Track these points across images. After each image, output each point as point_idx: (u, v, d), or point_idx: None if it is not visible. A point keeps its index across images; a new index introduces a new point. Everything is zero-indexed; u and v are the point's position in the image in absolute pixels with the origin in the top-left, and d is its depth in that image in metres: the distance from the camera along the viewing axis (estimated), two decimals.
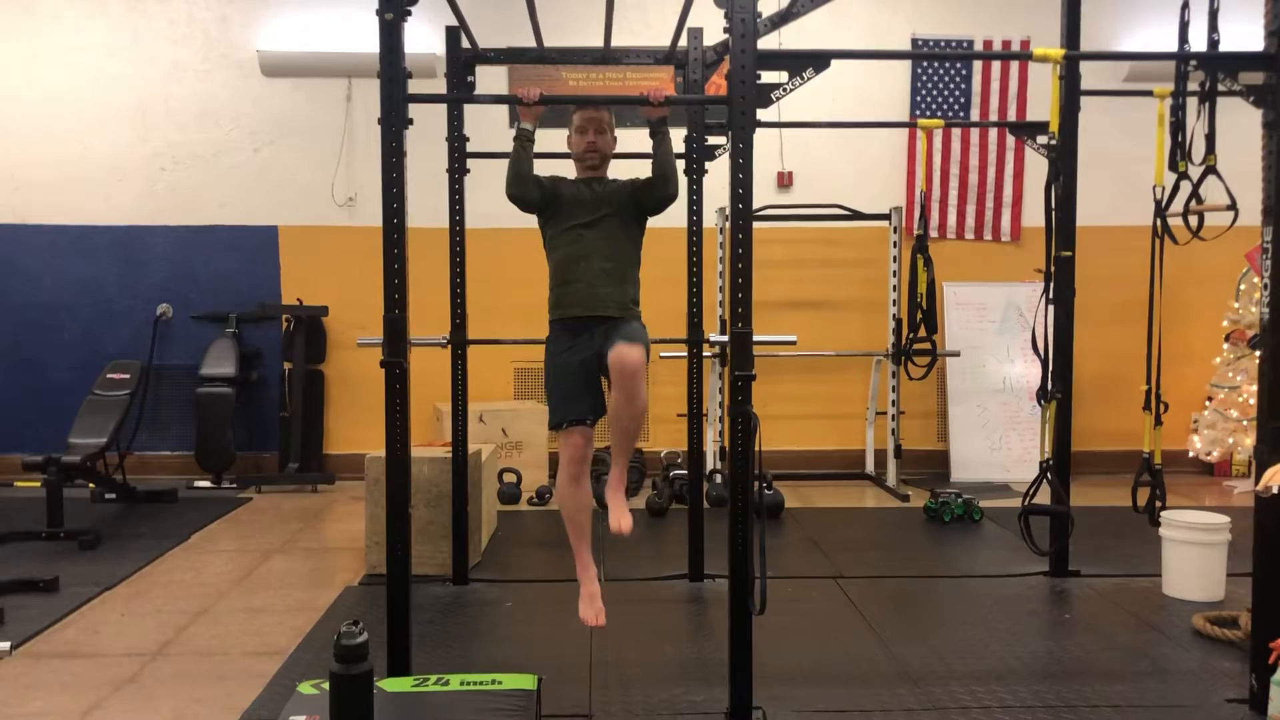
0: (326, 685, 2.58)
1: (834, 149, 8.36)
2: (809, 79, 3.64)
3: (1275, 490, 3.62)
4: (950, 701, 3.92)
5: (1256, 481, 3.72)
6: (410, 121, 3.63)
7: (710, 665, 4.22)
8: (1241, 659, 4.25)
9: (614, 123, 4.02)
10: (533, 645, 4.58)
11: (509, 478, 7.49)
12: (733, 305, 3.62)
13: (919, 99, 8.44)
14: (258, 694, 3.98)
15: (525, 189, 3.98)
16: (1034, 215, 8.50)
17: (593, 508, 4.01)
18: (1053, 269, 4.76)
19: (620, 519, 3.84)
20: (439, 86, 7.43)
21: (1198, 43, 4.44)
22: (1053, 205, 4.50)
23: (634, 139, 8.13)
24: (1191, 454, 8.15)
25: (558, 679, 3.97)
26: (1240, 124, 4.54)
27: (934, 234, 8.37)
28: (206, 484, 8.02)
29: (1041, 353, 4.56)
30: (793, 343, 5.42)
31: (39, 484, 6.41)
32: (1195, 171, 4.49)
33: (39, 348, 8.38)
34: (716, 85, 6.14)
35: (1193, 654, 4.43)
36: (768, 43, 3.73)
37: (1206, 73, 4.02)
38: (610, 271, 3.92)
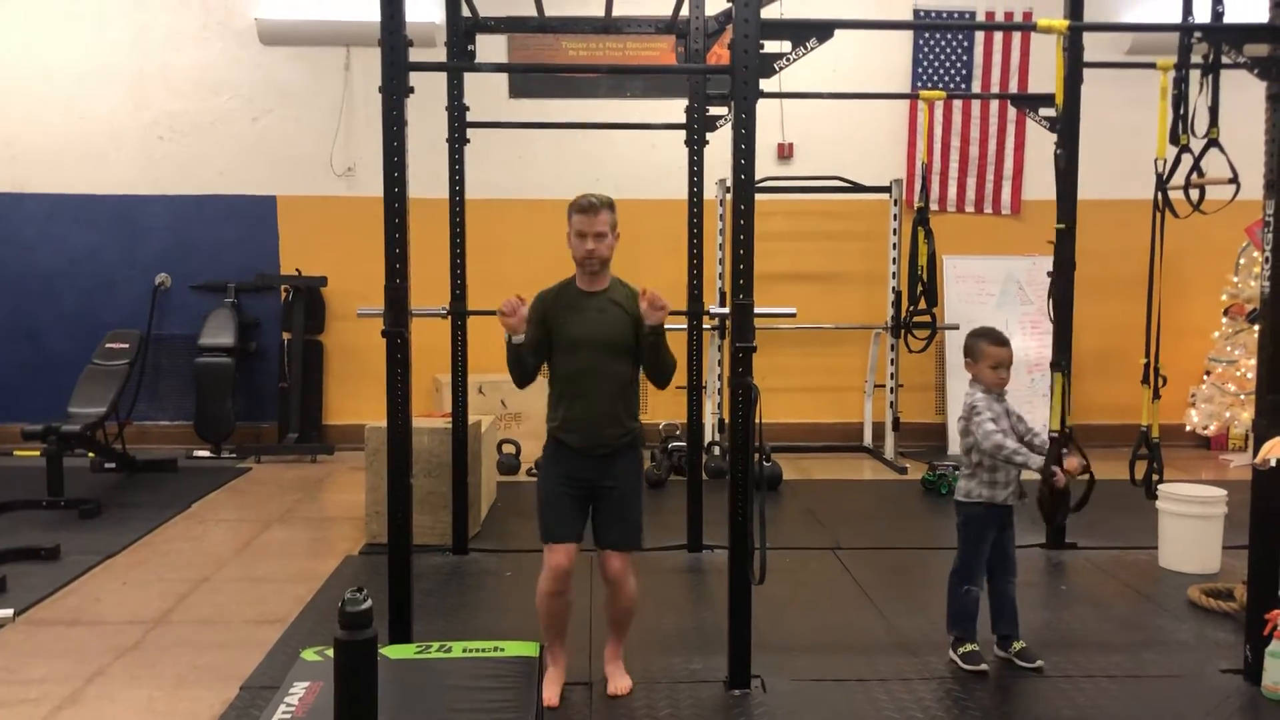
0: (330, 652, 2.58)
1: (835, 121, 8.33)
2: (812, 49, 3.62)
3: (1274, 463, 3.63)
4: (947, 672, 3.95)
5: (1254, 455, 3.73)
6: (411, 90, 3.62)
7: (709, 634, 4.25)
8: (1236, 630, 4.29)
9: (615, 222, 3.71)
10: (532, 615, 4.53)
11: (508, 449, 7.50)
12: (734, 277, 3.62)
13: (920, 71, 8.40)
14: (259, 661, 4.01)
15: (531, 377, 3.79)
16: (1034, 189, 8.49)
17: (570, 612, 3.86)
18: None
19: (618, 684, 3.79)
20: (439, 56, 7.38)
21: (1201, 15, 4.42)
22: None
23: (634, 109, 8.16)
24: (1188, 428, 8.17)
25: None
26: (1242, 98, 4.55)
27: (934, 207, 8.35)
28: (206, 454, 8.03)
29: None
30: (793, 315, 5.42)
31: (39, 453, 6.42)
32: (1197, 144, 4.46)
33: (38, 317, 8.38)
34: (718, 55, 6.12)
35: (1188, 625, 4.47)
36: (770, 13, 3.70)
37: (1211, 45, 3.99)
38: (613, 395, 3.70)
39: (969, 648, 4.01)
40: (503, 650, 2.86)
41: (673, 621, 4.48)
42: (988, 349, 4.00)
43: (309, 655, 2.78)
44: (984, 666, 3.95)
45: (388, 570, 3.70)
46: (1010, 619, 4.06)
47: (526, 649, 2.87)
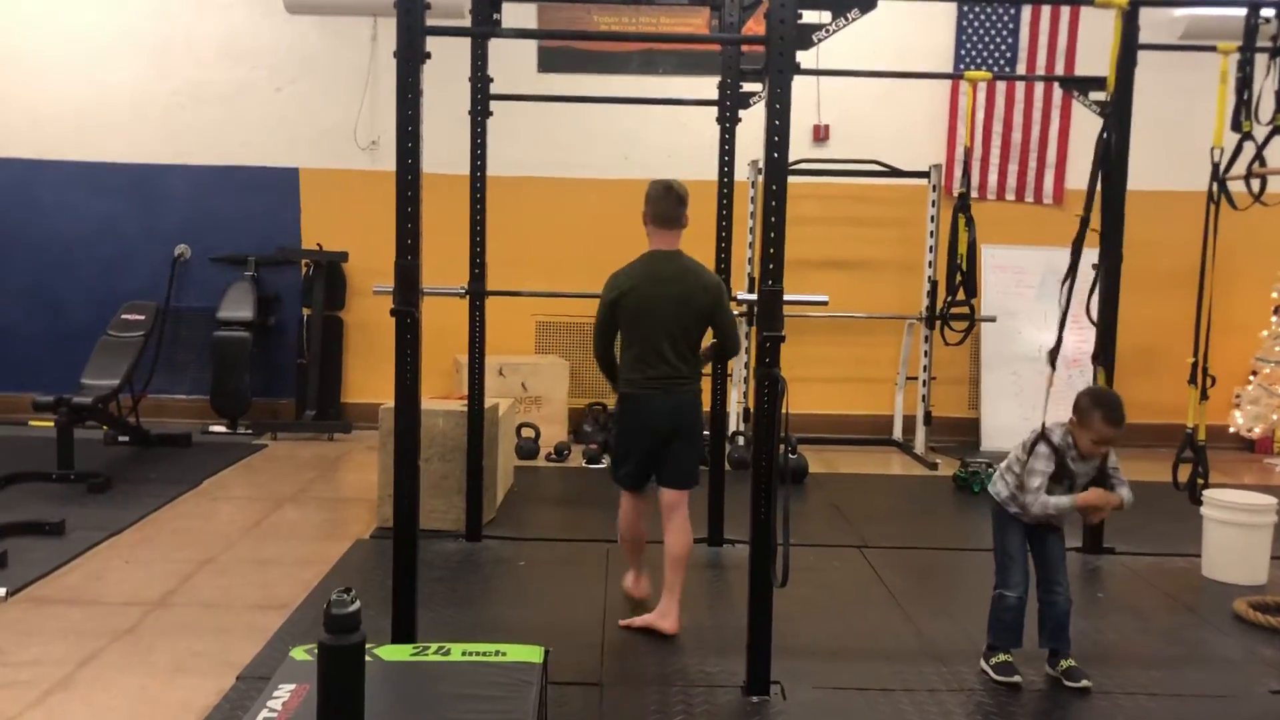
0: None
1: (873, 102, 8.08)
2: (854, 20, 3.40)
3: None
4: (977, 683, 3.75)
5: None
6: (428, 55, 3.42)
7: (727, 635, 4.06)
8: None
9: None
10: (544, 608, 4.43)
11: (527, 433, 7.33)
12: (763, 262, 3.42)
13: (963, 52, 8.12)
14: (258, 650, 3.86)
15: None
16: (1078, 177, 8.17)
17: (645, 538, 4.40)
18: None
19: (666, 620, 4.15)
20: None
21: None
22: (1101, 164, 4.24)
23: (666, 86, 7.94)
24: (1232, 429, 7.88)
25: (568, 645, 3.83)
26: None
27: (974, 194, 8.07)
28: (221, 429, 7.92)
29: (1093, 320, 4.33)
30: (824, 303, 5.17)
31: (53, 424, 6.30)
32: (1260, 132, 4.22)
33: (55, 286, 8.27)
34: (753, 30, 5.88)
35: (1234, 640, 4.23)
36: None
37: None
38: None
39: (1001, 658, 3.80)
40: (504, 655, 2.68)
41: (689, 620, 4.27)
42: (1099, 425, 3.63)
43: (299, 654, 2.62)
44: (1016, 679, 3.73)
45: (392, 562, 3.52)
46: (1055, 633, 3.79)
47: (530, 654, 2.69)
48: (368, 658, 2.34)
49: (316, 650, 2.20)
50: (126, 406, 7.11)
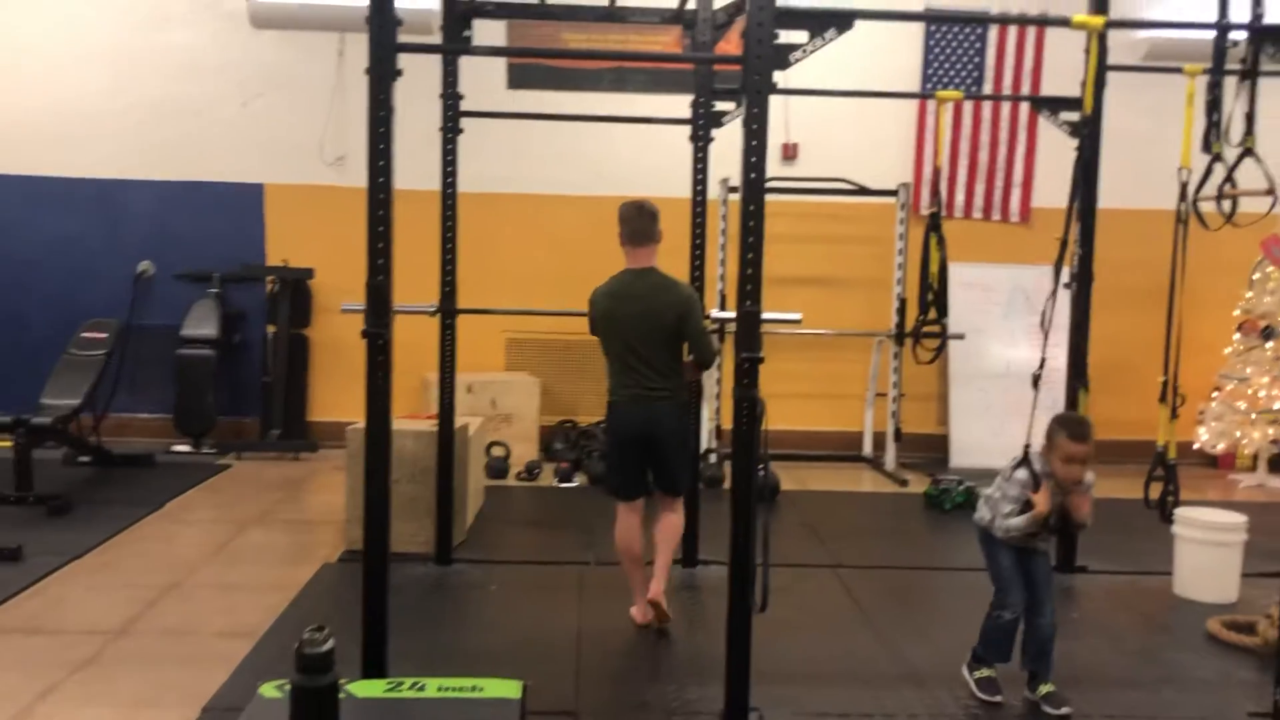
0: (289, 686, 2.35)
1: (841, 122, 8.08)
2: (830, 40, 3.39)
3: None
4: (956, 708, 3.72)
5: None
6: (399, 73, 3.36)
7: (704, 660, 4.01)
8: (1260, 668, 4.07)
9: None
10: (517, 634, 4.36)
11: (497, 451, 7.26)
12: (741, 282, 3.38)
13: (930, 72, 8.17)
14: (224, 680, 3.76)
15: None
16: (1044, 196, 8.26)
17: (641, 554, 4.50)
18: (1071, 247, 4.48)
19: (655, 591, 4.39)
20: (434, 43, 7.12)
21: (1237, 16, 4.20)
22: (1078, 183, 4.25)
23: (636, 103, 7.91)
24: (1197, 445, 7.94)
25: (542, 673, 3.75)
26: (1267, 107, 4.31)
27: (942, 212, 8.11)
28: (185, 449, 7.77)
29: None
30: (798, 321, 5.18)
31: (11, 444, 6.15)
32: (1231, 153, 4.25)
33: (15, 303, 8.09)
34: (724, 49, 5.88)
35: (1209, 661, 4.23)
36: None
37: (1253, 47, 3.76)
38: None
39: (985, 673, 3.81)
40: (481, 690, 2.61)
41: (666, 645, 4.23)
42: (1062, 441, 3.66)
43: (268, 690, 2.54)
44: (998, 699, 3.72)
45: (363, 591, 3.43)
46: (1037, 657, 3.77)
47: (508, 689, 2.63)
48: (340, 694, 2.27)
49: (287, 688, 2.13)
50: (88, 426, 6.97)
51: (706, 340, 4.42)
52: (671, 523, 4.51)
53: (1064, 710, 3.68)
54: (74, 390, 6.68)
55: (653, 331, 4.28)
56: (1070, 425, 3.73)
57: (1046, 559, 3.90)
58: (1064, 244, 3.92)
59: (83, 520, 5.80)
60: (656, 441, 4.34)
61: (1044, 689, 3.74)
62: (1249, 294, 7.80)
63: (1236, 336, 7.86)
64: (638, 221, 4.35)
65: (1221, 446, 7.92)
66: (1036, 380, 3.94)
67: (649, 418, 4.31)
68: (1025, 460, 3.76)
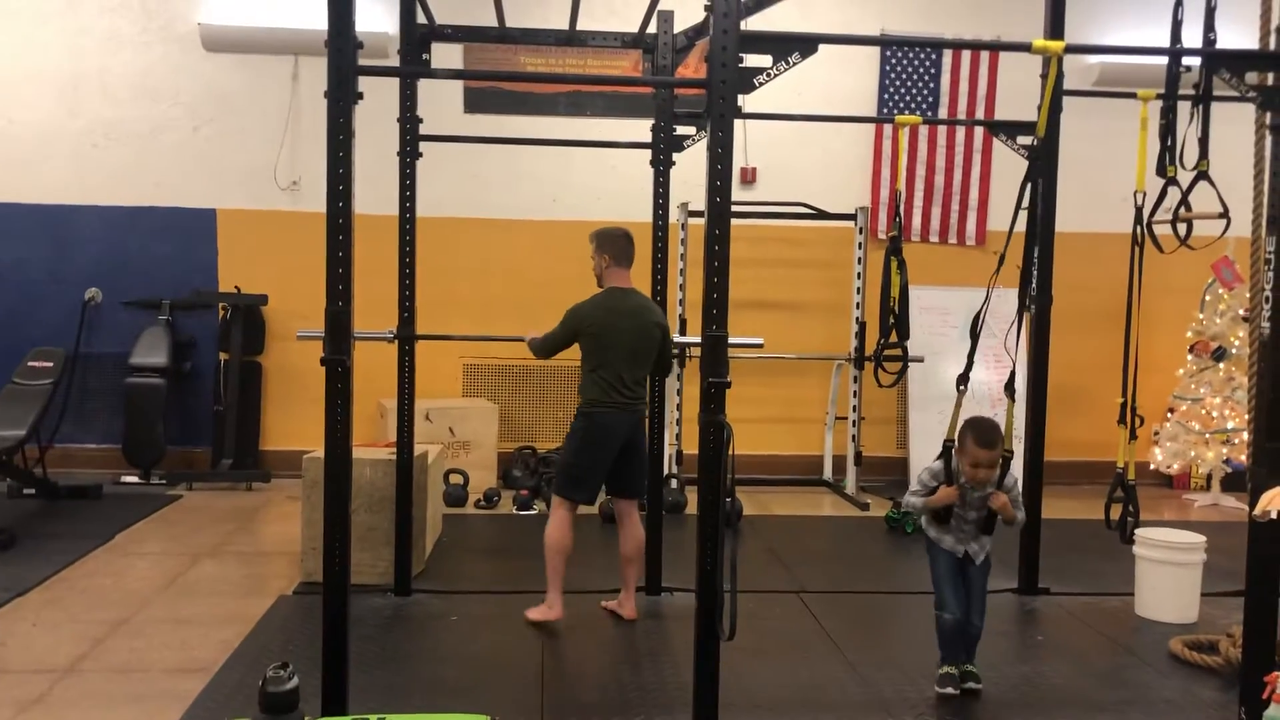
0: None
1: (799, 146, 8.14)
2: (794, 64, 3.37)
3: (1274, 515, 3.42)
4: None
5: (1252, 506, 3.52)
6: (360, 96, 3.31)
7: (671, 690, 3.96)
8: (1222, 687, 4.09)
9: (593, 251, 4.82)
10: (479, 666, 4.27)
11: (455, 479, 7.17)
12: (706, 306, 3.35)
13: (886, 97, 8.24)
14: (178, 718, 3.64)
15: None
16: (1000, 219, 8.33)
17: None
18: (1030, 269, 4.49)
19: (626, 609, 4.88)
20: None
21: (1188, 42, 4.26)
22: (1035, 206, 4.27)
23: (594, 128, 7.91)
24: (1152, 466, 8.03)
25: (507, 705, 3.69)
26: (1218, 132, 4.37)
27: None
28: (134, 479, 7.58)
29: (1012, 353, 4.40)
30: (759, 345, 5.16)
31: None
32: (1185, 177, 4.30)
33: None
34: (683, 73, 5.88)
35: (1172, 681, 4.24)
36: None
37: (1208, 71, 3.80)
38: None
39: (944, 669, 4.03)
40: None
41: (631, 675, 4.16)
42: (971, 448, 3.92)
43: None
44: (950, 690, 3.96)
45: (322, 625, 3.34)
46: (967, 649, 4.08)
47: None
48: None
49: None
50: (33, 457, 6.79)
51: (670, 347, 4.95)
52: (640, 537, 4.90)
53: (976, 686, 4.00)
54: (19, 421, 6.49)
55: (643, 347, 4.71)
56: (977, 429, 3.95)
57: (982, 569, 4.10)
58: (1003, 262, 3.99)
59: (28, 554, 5.63)
60: (635, 448, 4.79)
61: (966, 668, 4.04)
62: (1200, 315, 7.92)
63: (1189, 358, 7.96)
64: (625, 242, 4.79)
65: (1176, 467, 8.01)
66: (962, 380, 4.18)
67: (633, 425, 4.74)
68: (945, 454, 4.02)
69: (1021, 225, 4.13)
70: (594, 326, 4.67)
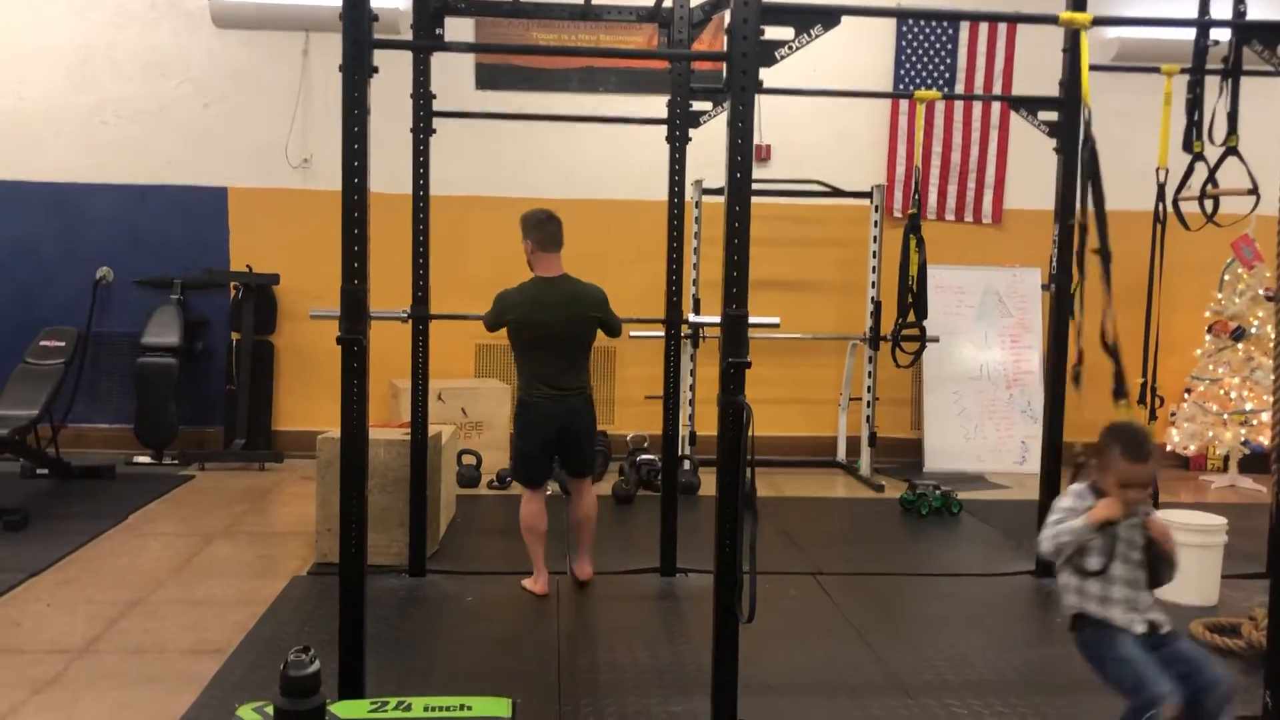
0: (270, 709, 2.25)
1: (814, 123, 8.04)
2: (816, 36, 3.30)
3: None
4: (946, 717, 3.65)
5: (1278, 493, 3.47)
6: (375, 70, 3.25)
7: (688, 671, 3.93)
8: (1245, 670, 4.04)
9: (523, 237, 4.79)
10: (496, 647, 4.25)
11: (468, 460, 7.14)
12: (727, 285, 3.29)
13: (902, 73, 8.14)
14: (193, 700, 3.62)
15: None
16: (1016, 197, 8.26)
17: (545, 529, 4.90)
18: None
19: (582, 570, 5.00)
20: None
21: (1217, 15, 4.19)
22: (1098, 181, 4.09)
23: (607, 104, 7.83)
24: (1169, 447, 7.96)
25: (525, 687, 3.66)
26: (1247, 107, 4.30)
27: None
28: (146, 460, 7.57)
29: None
30: (776, 325, 5.10)
31: None
32: (1213, 153, 4.23)
33: None
34: (698, 49, 5.80)
35: None
36: None
37: (1238, 44, 3.73)
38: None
39: None
40: (470, 709, 2.51)
41: (648, 656, 4.14)
42: (1119, 460, 2.95)
43: (246, 713, 2.42)
44: None
45: (339, 609, 3.31)
46: None
47: (497, 707, 2.53)
48: (324, 717, 2.17)
49: (268, 710, 2.03)
50: (45, 437, 6.78)
51: (617, 319, 4.87)
52: (589, 503, 4.96)
53: None
54: (32, 401, 6.48)
55: (575, 337, 4.69)
56: (1128, 439, 3.00)
57: (1181, 638, 3.13)
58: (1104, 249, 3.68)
59: (42, 535, 5.62)
60: (572, 433, 4.76)
61: None
62: (1219, 295, 7.83)
63: (1208, 338, 7.88)
64: (551, 226, 4.68)
65: (1193, 448, 7.94)
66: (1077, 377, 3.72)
67: (566, 412, 4.72)
68: (1080, 473, 3.15)
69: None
70: (515, 319, 4.66)
